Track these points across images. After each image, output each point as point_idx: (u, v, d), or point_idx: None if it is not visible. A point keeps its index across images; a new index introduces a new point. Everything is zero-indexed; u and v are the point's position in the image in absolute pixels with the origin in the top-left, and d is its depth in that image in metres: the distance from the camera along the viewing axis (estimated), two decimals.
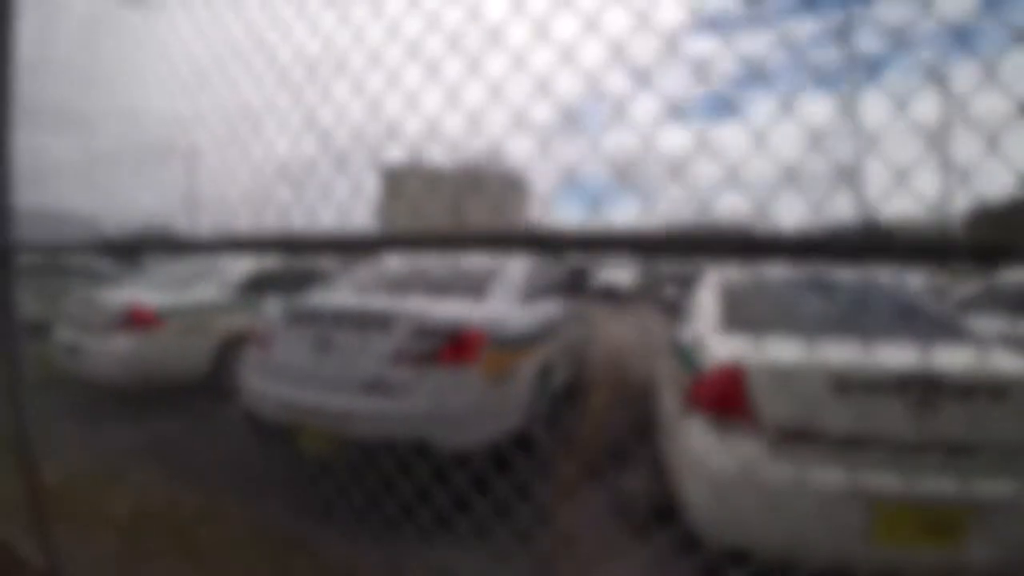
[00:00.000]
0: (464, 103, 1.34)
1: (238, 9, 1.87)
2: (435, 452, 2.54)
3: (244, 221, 1.98)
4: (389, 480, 2.15)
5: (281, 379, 2.94)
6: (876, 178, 1.01)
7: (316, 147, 1.74)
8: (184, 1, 2.10)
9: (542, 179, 1.36)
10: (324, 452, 2.72)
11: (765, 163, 1.03)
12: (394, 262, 4.21)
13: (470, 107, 1.33)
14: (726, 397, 2.08)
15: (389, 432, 2.60)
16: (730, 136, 1.07)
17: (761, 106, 1.06)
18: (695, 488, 2.11)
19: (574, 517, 2.76)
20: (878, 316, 2.61)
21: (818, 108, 1.06)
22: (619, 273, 16.17)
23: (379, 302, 2.96)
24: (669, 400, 2.75)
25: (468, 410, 2.72)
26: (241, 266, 5.25)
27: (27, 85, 2.15)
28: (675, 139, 1.13)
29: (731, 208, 1.11)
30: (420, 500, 2.01)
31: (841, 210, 1.14)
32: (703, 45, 1.12)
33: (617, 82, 1.18)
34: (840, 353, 2.03)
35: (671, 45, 1.12)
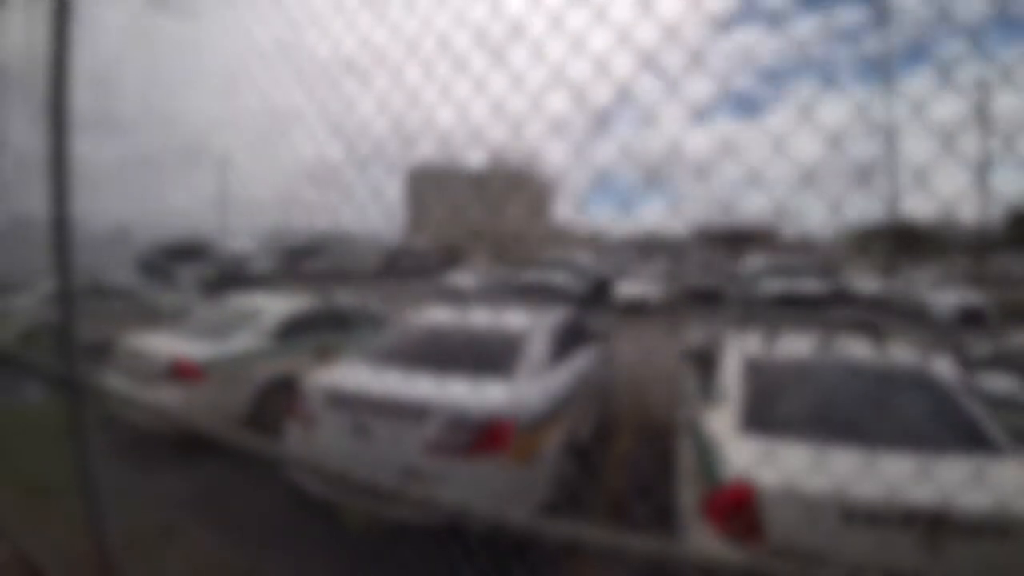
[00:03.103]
0: (504, 108, 1.42)
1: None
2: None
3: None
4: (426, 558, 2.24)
5: (322, 457, 3.10)
6: (914, 176, 1.01)
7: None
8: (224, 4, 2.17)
9: (572, 180, 1.44)
10: (366, 529, 2.89)
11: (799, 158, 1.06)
12: (419, 318, 4.35)
13: (507, 111, 1.42)
14: (738, 518, 2.15)
15: (425, 518, 2.74)
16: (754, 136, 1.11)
17: (793, 102, 1.09)
18: None
19: None
20: (903, 415, 2.62)
21: (852, 103, 1.07)
22: (644, 286, 16.03)
23: (413, 390, 3.07)
24: (686, 492, 2.81)
25: (499, 495, 2.84)
26: (277, 310, 5.46)
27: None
28: (701, 138, 1.18)
29: (757, 207, 1.15)
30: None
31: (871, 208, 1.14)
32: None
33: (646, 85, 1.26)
34: (854, 466, 2.07)
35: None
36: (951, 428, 2.56)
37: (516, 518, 1.23)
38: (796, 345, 3.32)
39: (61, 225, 2.13)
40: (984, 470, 2.17)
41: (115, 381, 4.94)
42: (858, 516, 1.99)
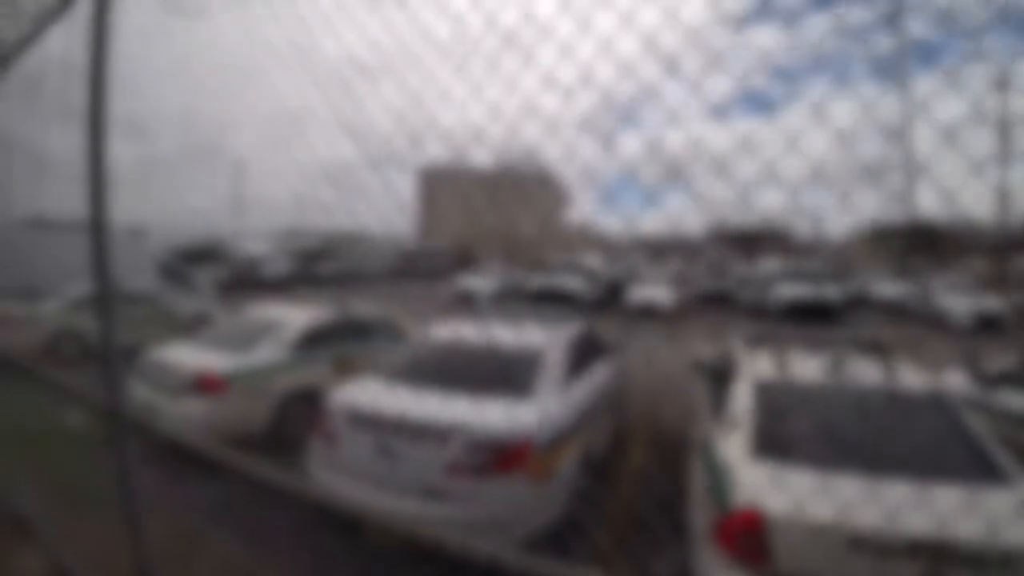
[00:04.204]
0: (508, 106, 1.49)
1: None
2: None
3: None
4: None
5: (346, 476, 3.22)
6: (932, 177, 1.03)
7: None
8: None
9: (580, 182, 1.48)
10: (389, 545, 2.99)
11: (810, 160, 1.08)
12: (437, 335, 4.44)
13: (513, 109, 1.48)
14: (747, 544, 2.22)
15: (446, 536, 2.84)
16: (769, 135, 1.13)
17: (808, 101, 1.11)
18: None
19: None
20: (911, 442, 2.66)
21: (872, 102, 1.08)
22: (656, 290, 16.01)
23: (433, 410, 3.17)
24: (698, 514, 2.87)
25: (516, 513, 2.94)
26: (297, 322, 5.58)
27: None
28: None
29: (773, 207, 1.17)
30: None
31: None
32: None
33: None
34: (862, 495, 2.13)
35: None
36: (959, 456, 2.59)
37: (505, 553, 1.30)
38: (807, 367, 3.36)
39: (98, 230, 2.16)
40: (989, 500, 2.22)
41: (138, 391, 5.09)
42: (864, 545, 2.05)
